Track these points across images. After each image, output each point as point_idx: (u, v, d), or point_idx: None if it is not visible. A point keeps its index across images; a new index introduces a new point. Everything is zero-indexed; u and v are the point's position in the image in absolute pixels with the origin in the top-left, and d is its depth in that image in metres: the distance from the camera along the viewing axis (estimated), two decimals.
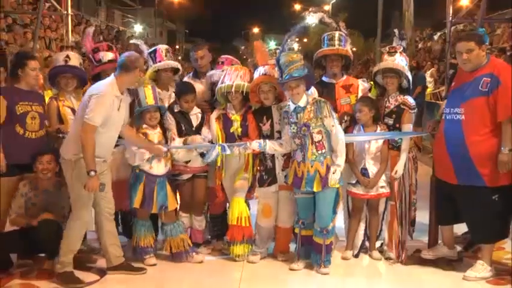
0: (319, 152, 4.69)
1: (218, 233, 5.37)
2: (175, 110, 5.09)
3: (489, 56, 4.62)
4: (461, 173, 4.56)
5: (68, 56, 5.17)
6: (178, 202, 5.20)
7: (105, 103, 4.39)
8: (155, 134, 4.96)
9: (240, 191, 5.02)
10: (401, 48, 5.12)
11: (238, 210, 4.96)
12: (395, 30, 5.34)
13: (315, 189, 4.68)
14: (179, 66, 5.41)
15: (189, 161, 5.10)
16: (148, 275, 4.79)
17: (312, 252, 4.84)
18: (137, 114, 4.95)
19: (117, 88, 4.50)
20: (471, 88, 4.52)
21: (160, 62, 5.26)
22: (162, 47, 5.40)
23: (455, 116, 4.58)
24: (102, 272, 4.78)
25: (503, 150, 4.38)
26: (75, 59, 5.19)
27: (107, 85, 4.50)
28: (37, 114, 4.97)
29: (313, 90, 5.09)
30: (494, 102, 4.40)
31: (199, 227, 5.29)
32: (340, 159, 4.68)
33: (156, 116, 4.96)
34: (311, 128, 4.68)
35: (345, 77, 5.32)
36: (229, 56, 5.54)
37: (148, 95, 4.90)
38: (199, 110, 5.16)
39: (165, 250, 5.08)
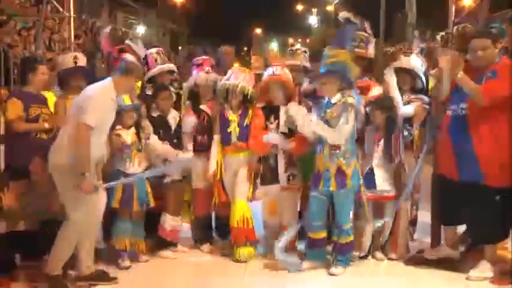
0: (332, 151, 4.67)
1: (202, 236, 5.40)
2: (154, 115, 5.13)
3: (501, 57, 4.59)
4: (464, 170, 4.54)
5: (76, 57, 5.34)
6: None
7: (101, 105, 4.30)
8: (128, 135, 4.96)
9: (241, 193, 5.03)
10: (418, 50, 5.15)
11: (240, 212, 4.97)
12: (416, 33, 5.34)
13: (331, 188, 4.66)
14: (171, 66, 5.42)
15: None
16: (149, 276, 4.80)
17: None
18: None
19: (113, 91, 4.42)
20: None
21: (151, 69, 5.33)
22: (152, 52, 5.45)
23: (461, 112, 4.57)
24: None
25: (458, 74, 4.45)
26: (82, 60, 5.36)
27: (104, 87, 4.42)
28: (47, 116, 5.13)
29: None
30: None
31: (177, 227, 5.26)
32: (323, 129, 4.65)
33: (133, 116, 4.96)
34: (332, 126, 4.67)
35: (364, 78, 5.22)
36: (206, 57, 5.52)
37: (125, 96, 4.91)
38: (176, 113, 5.24)
39: (116, 244, 4.88)
